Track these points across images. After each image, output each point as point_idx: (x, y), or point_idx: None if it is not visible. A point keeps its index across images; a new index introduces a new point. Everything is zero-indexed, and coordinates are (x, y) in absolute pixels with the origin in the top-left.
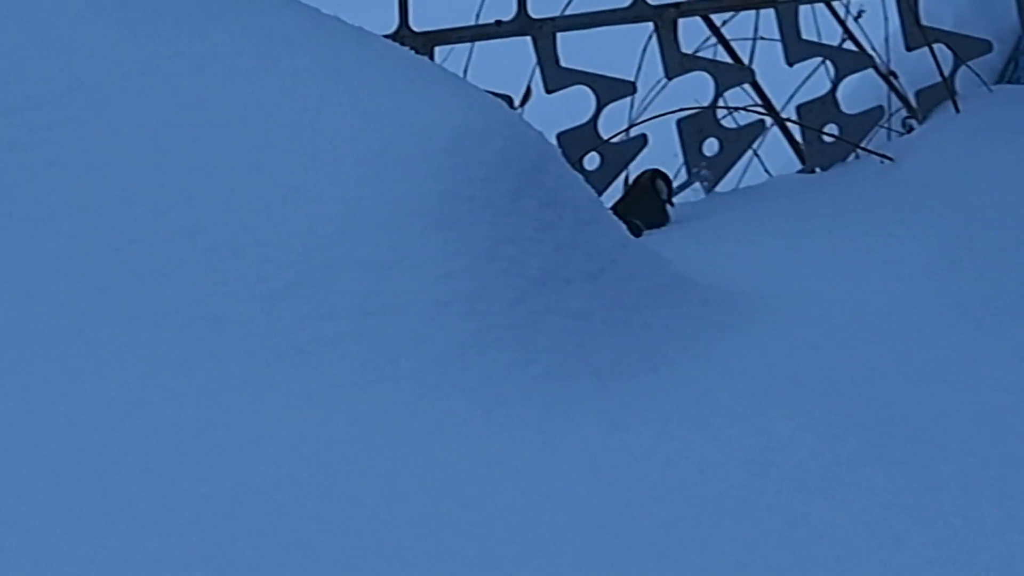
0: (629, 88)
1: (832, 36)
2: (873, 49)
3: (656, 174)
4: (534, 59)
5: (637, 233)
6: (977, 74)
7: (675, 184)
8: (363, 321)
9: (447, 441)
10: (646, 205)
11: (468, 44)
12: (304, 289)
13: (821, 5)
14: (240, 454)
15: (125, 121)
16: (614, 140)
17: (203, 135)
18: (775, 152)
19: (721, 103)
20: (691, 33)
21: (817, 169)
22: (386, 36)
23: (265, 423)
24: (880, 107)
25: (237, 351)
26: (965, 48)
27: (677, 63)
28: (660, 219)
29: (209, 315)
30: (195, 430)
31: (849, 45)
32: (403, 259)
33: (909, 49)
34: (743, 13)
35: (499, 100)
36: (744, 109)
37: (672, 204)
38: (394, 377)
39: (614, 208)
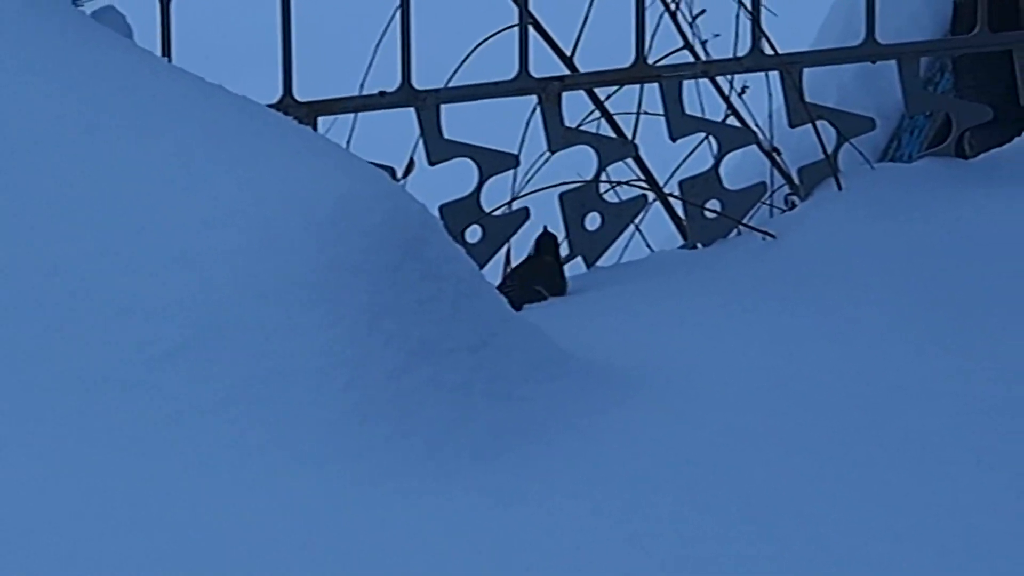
0: (512, 161)
1: (716, 111)
2: (757, 125)
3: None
4: (417, 130)
5: (518, 306)
6: (860, 152)
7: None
8: (247, 388)
9: (329, 511)
10: (545, 271)
11: (352, 114)
12: (189, 353)
13: (705, 80)
14: (123, 519)
15: (10, 184)
16: (496, 213)
17: (88, 199)
18: (657, 227)
19: (604, 177)
20: (575, 106)
21: (699, 245)
22: (270, 105)
23: (149, 487)
24: (763, 183)
25: (122, 414)
26: (848, 125)
27: (560, 136)
28: (559, 284)
29: (95, 377)
30: (78, 495)
31: (733, 121)
32: (286, 327)
33: (792, 126)
34: (627, 87)
35: (382, 171)
36: (626, 184)
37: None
38: (276, 444)
39: (515, 272)
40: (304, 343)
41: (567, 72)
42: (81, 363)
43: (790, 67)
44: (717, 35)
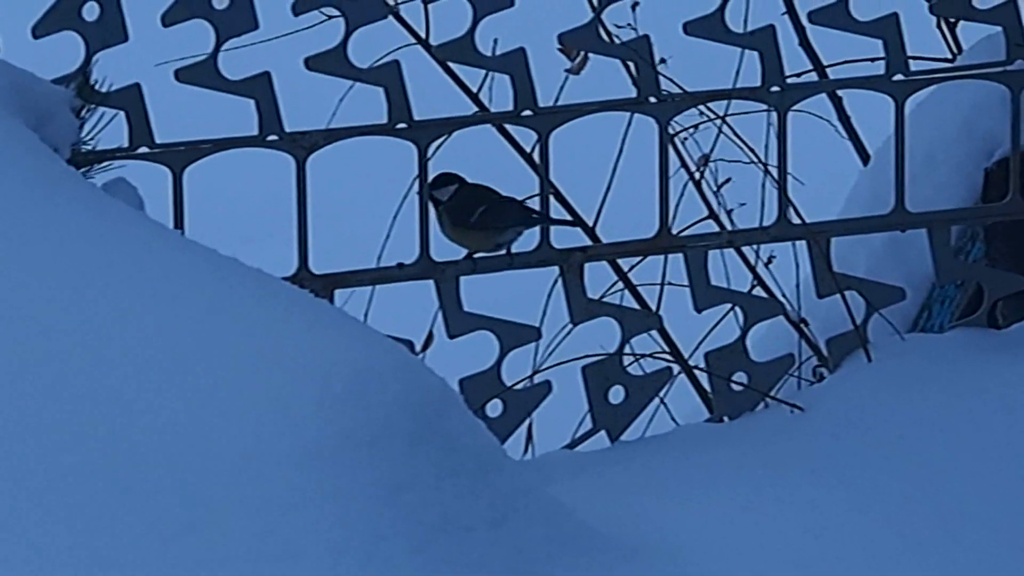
0: (533, 334)
1: (742, 282)
2: (784, 296)
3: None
4: (436, 303)
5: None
6: (890, 322)
7: (579, 432)
8: (258, 566)
9: None
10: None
11: (369, 287)
12: (199, 531)
13: (731, 250)
14: None
15: (8, 356)
16: (517, 387)
17: (91, 372)
18: (682, 400)
19: (627, 350)
20: (597, 277)
21: (725, 418)
22: (286, 278)
23: None
24: (790, 355)
25: None
26: (878, 296)
27: (583, 308)
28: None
29: (99, 559)
30: None
31: (759, 291)
32: (300, 503)
33: (820, 296)
34: (651, 258)
35: (400, 344)
36: (651, 356)
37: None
38: None
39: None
40: (319, 518)
41: (589, 242)
42: (86, 545)
43: (817, 236)
44: (743, 204)
